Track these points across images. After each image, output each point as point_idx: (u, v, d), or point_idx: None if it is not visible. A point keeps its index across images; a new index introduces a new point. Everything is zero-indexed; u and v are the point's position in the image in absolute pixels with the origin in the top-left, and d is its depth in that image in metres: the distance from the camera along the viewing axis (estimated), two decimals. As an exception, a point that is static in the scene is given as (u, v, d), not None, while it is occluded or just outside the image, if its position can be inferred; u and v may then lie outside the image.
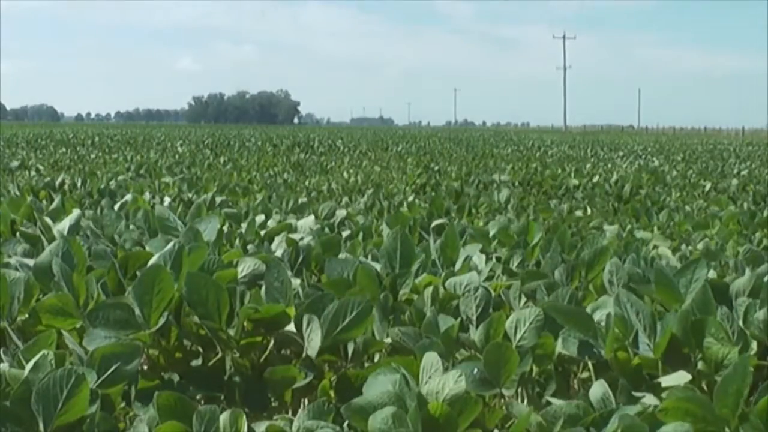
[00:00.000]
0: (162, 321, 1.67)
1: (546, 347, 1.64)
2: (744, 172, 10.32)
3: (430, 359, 1.43)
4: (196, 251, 2.05)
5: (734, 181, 8.24)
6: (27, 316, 1.82)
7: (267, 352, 1.78)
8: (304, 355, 1.67)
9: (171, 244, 1.94)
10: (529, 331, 1.61)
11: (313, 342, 1.65)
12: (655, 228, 4.46)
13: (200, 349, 1.81)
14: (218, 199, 4.45)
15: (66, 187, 6.22)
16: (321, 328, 1.64)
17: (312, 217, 3.72)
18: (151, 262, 1.92)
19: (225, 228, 3.09)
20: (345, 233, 3.43)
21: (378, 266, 2.21)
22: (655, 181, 8.46)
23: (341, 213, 4.01)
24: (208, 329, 1.73)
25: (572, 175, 9.02)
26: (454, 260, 2.41)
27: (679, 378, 1.46)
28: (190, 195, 5.49)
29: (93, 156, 12.28)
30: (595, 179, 8.36)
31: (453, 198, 6.07)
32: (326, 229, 3.49)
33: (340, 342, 1.71)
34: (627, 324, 1.61)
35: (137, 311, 1.67)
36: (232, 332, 1.73)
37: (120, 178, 7.23)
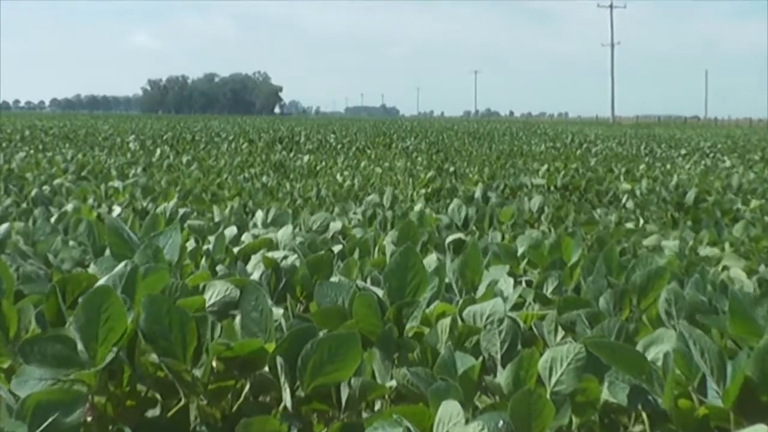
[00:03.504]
0: (110, 357, 1.68)
1: (588, 394, 1.64)
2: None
3: (449, 409, 1.43)
4: (155, 273, 2.07)
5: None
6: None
7: (241, 398, 1.79)
8: (284, 402, 1.69)
9: (122, 265, 1.95)
10: (568, 374, 1.62)
11: (290, 390, 1.66)
12: (726, 245, 4.47)
13: (158, 396, 1.81)
14: (180, 209, 4.47)
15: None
16: (300, 369, 1.65)
17: (297, 230, 3.76)
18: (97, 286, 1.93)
19: (189, 244, 3.13)
20: (338, 250, 3.45)
21: (380, 292, 2.25)
22: (727, 187, 8.47)
23: (335, 225, 4.04)
24: (169, 370, 1.74)
25: (622, 178, 9.06)
26: (476, 284, 2.44)
27: (756, 432, 1.47)
28: (145, 203, 5.53)
29: (22, 154, 12.34)
30: (651, 183, 8.38)
31: (473, 206, 6.09)
32: (315, 246, 3.50)
33: (325, 386, 1.72)
34: (690, 365, 1.61)
35: (80, 345, 1.68)
36: (198, 373, 1.74)
37: (57, 182, 7.26)
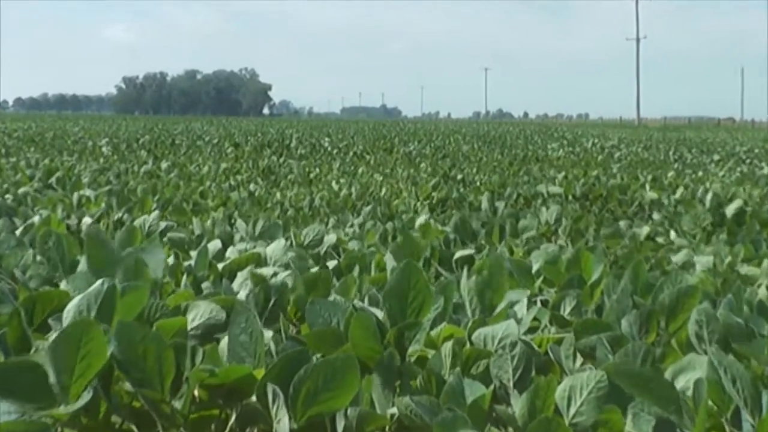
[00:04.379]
0: (88, 396, 1.68)
1: (611, 426, 1.64)
2: None
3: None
4: (133, 292, 2.08)
5: None
6: None
7: (226, 430, 1.79)
8: (275, 434, 1.69)
9: (99, 283, 1.96)
10: (588, 404, 1.62)
11: (282, 420, 1.66)
12: (765, 261, 4.47)
13: (134, 428, 1.82)
14: (160, 222, 4.45)
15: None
16: (292, 397, 1.66)
17: (289, 244, 3.74)
18: (71, 306, 1.94)
19: (169, 260, 3.11)
20: (333, 266, 3.47)
21: (379, 312, 2.25)
22: (765, 196, 8.47)
23: (330, 239, 4.06)
24: (145, 400, 1.75)
25: (648, 186, 9.06)
26: (495, 305, 2.45)
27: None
28: (120, 214, 5.53)
29: (-16, 159, 12.36)
30: (681, 193, 8.39)
31: (482, 218, 6.10)
32: (309, 261, 3.51)
33: (320, 416, 1.73)
34: (723, 395, 1.62)
35: (52, 377, 1.68)
36: (178, 404, 1.75)
37: (22, 190, 7.27)
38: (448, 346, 1.98)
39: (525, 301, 2.59)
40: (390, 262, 3.20)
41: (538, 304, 2.90)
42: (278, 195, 8.08)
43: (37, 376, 1.68)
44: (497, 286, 2.47)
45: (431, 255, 3.86)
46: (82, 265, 2.65)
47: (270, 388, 1.68)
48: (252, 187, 9.03)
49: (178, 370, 1.76)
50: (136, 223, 4.02)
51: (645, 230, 5.74)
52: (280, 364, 1.74)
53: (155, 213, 4.48)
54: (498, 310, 2.44)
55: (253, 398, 1.75)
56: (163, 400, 1.74)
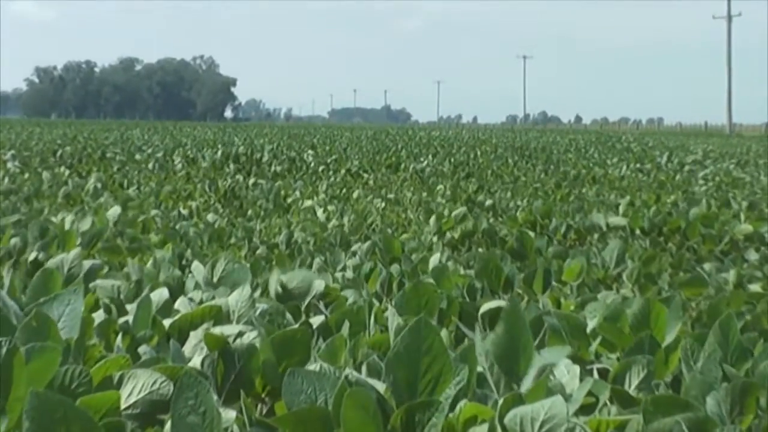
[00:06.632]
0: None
1: None
2: None
3: None
4: (40, 357, 2.08)
5: None
6: None
7: None
8: None
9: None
10: None
11: None
12: None
13: None
14: (85, 261, 4.45)
15: None
16: None
17: (258, 293, 3.73)
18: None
19: (97, 315, 3.06)
20: (318, 323, 3.43)
21: (381, 386, 2.23)
22: None
23: (317, 285, 4.03)
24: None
25: (743, 216, 9.03)
26: (520, 373, 2.44)
27: None
28: (33, 253, 5.44)
29: None
30: (787, 225, 8.35)
31: (519, 258, 6.08)
32: (287, 317, 3.48)
33: None
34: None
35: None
36: None
37: None
38: None
39: (576, 369, 2.57)
40: (395, 318, 3.12)
41: (595, 374, 2.88)
42: (244, 227, 8.03)
43: None
44: (520, 344, 2.47)
45: (450, 308, 3.83)
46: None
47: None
48: (210, 216, 9.02)
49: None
50: (52, 263, 3.98)
51: (737, 275, 5.71)
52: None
53: (76, 251, 4.47)
54: (530, 378, 2.43)
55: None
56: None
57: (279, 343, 2.67)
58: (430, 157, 21.38)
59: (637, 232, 8.14)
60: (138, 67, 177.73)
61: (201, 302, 3.48)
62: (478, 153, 23.80)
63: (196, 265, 4.32)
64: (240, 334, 2.90)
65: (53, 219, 7.65)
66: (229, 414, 2.15)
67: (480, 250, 6.86)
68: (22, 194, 10.57)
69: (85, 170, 15.63)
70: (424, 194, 11.94)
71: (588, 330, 3.19)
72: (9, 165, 16.29)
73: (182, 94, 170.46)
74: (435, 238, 7.61)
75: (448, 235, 7.78)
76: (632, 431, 2.09)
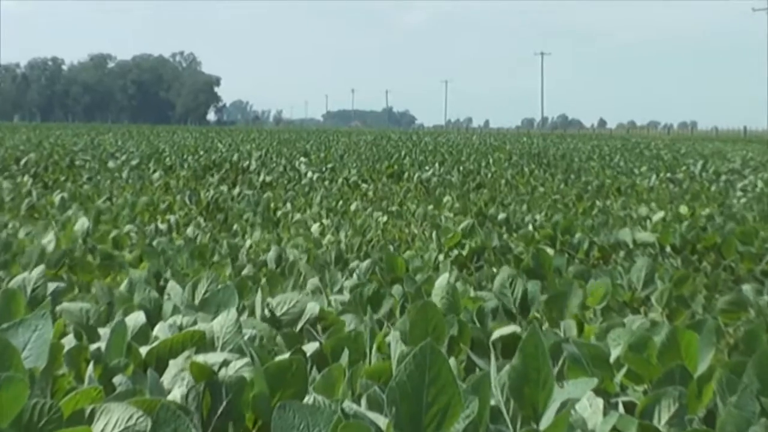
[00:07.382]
0: None
1: None
2: None
3: None
4: (7, 389, 2.13)
5: None
6: None
7: None
8: None
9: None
10: None
11: None
12: None
13: None
14: (50, 283, 4.45)
15: None
16: None
17: (246, 317, 3.79)
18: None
19: (66, 341, 3.13)
20: (312, 350, 3.42)
21: (382, 421, 2.26)
22: None
23: (311, 308, 4.05)
24: None
25: (787, 232, 8.89)
26: (538, 407, 2.45)
27: None
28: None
29: None
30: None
31: (536, 279, 5.95)
32: (278, 343, 3.61)
33: None
34: None
35: None
36: None
37: None
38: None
39: (600, 403, 2.62)
40: (398, 344, 3.14)
41: (620, 408, 2.90)
42: (229, 243, 7.93)
43: None
44: (540, 376, 2.48)
45: (459, 334, 3.80)
46: None
47: None
48: (191, 231, 9.02)
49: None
50: (14, 283, 3.97)
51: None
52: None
53: (40, 269, 4.43)
54: (550, 414, 2.43)
55: None
56: None
57: (273, 374, 2.69)
58: (436, 165, 21.41)
59: (668, 249, 8.06)
60: (111, 65, 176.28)
61: (181, 327, 3.51)
62: (490, 161, 23.91)
63: (175, 286, 4.42)
64: (225, 363, 2.89)
65: (15, 234, 7.61)
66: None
67: (492, 269, 6.84)
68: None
69: (51, 179, 15.64)
70: (430, 207, 11.86)
71: (611, 359, 3.17)
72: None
73: (160, 94, 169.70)
74: (442, 256, 7.54)
75: (456, 251, 7.76)
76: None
